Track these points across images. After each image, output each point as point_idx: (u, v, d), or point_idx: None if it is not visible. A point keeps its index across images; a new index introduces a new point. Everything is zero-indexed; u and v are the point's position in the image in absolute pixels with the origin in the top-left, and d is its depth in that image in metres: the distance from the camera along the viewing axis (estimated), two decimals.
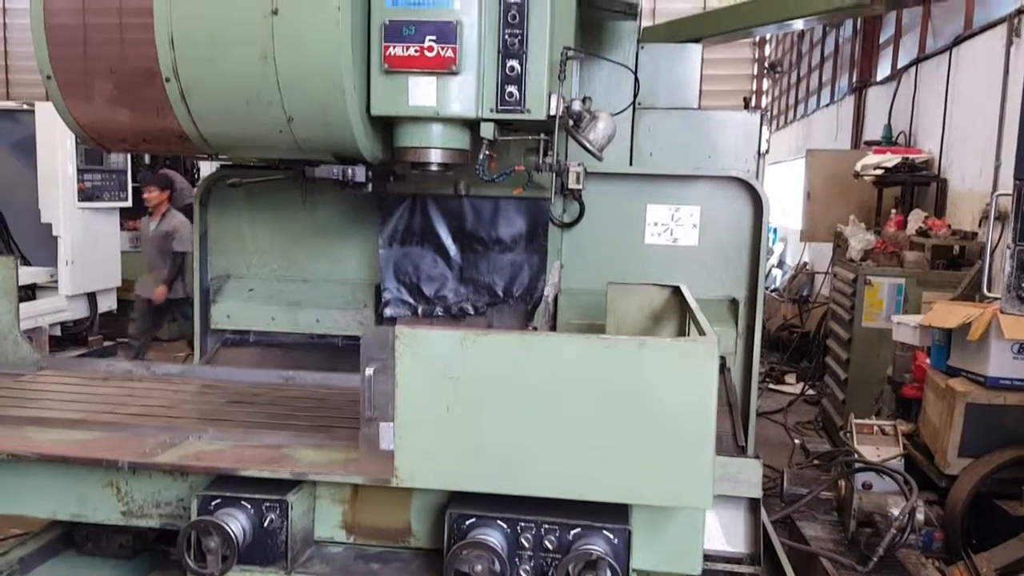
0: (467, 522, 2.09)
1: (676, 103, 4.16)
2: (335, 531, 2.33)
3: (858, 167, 8.62)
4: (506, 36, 2.88)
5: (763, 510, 2.89)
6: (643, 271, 3.99)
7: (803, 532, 4.22)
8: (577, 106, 3.16)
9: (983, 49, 7.72)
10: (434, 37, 2.83)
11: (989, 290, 5.12)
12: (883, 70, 11.21)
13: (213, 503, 2.19)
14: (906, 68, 9.91)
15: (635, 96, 3.86)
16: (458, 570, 2.04)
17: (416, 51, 2.83)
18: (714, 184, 4.02)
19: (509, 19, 2.87)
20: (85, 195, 8.78)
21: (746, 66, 22.66)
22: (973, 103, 7.83)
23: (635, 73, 3.88)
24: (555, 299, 4.05)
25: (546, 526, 2.07)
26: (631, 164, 4.07)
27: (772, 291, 13.18)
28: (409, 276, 4.06)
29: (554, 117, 3.01)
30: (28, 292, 8.67)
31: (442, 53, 2.84)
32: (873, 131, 10.78)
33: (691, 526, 2.19)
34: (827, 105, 14.24)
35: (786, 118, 18.79)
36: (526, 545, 2.08)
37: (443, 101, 2.90)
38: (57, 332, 9.01)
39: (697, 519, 2.19)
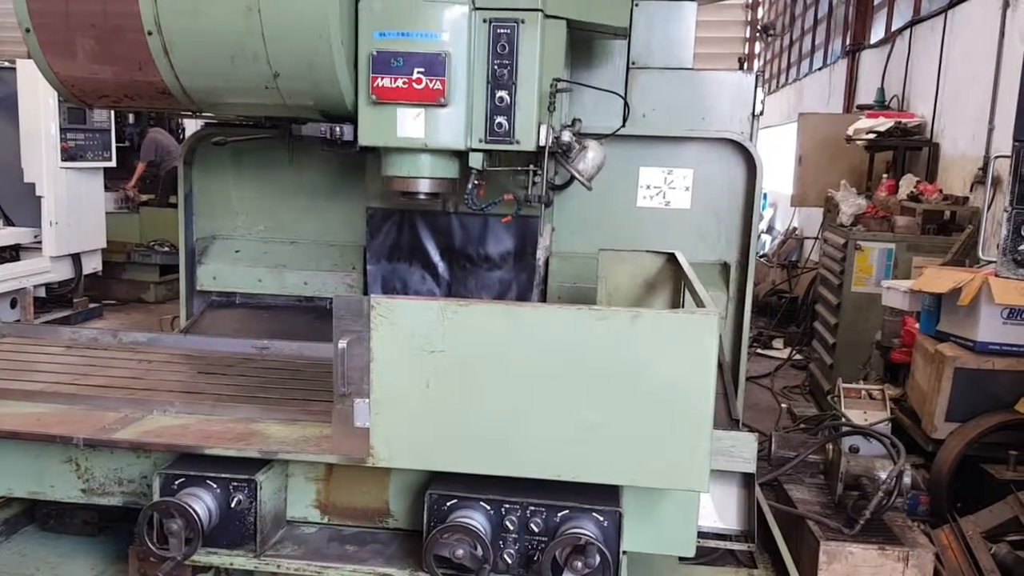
0: (448, 503, 2.00)
1: (670, 63, 4.09)
2: (308, 511, 2.26)
3: (850, 131, 8.57)
4: (495, 67, 2.87)
5: (757, 486, 2.81)
6: (635, 235, 3.96)
7: (790, 495, 4.23)
8: (567, 136, 3.15)
9: (978, 12, 7.65)
10: (422, 69, 2.80)
11: (984, 254, 5.10)
12: (877, 33, 11.10)
13: (176, 482, 2.09)
14: (900, 31, 9.82)
15: (624, 119, 3.78)
16: (438, 555, 1.95)
17: (404, 83, 2.82)
18: (707, 146, 3.99)
19: (498, 50, 2.85)
20: (68, 155, 8.63)
21: (738, 29, 22.51)
22: (967, 67, 7.77)
23: (624, 98, 3.80)
24: (546, 263, 4.02)
25: (532, 508, 1.98)
26: (624, 125, 4.01)
27: (761, 256, 13.18)
28: (396, 292, 4.00)
29: (543, 148, 2.98)
30: (11, 253, 8.55)
31: (431, 85, 2.81)
32: (866, 95, 10.71)
33: (685, 507, 2.11)
34: (820, 68, 14.14)
35: (778, 82, 18.66)
36: (511, 528, 1.99)
37: (431, 133, 2.88)
38: (42, 294, 8.91)
39: (691, 500, 2.11)
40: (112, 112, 9.20)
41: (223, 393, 2.63)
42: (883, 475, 3.86)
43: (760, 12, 21.67)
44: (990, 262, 4.82)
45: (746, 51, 22.69)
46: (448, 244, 3.94)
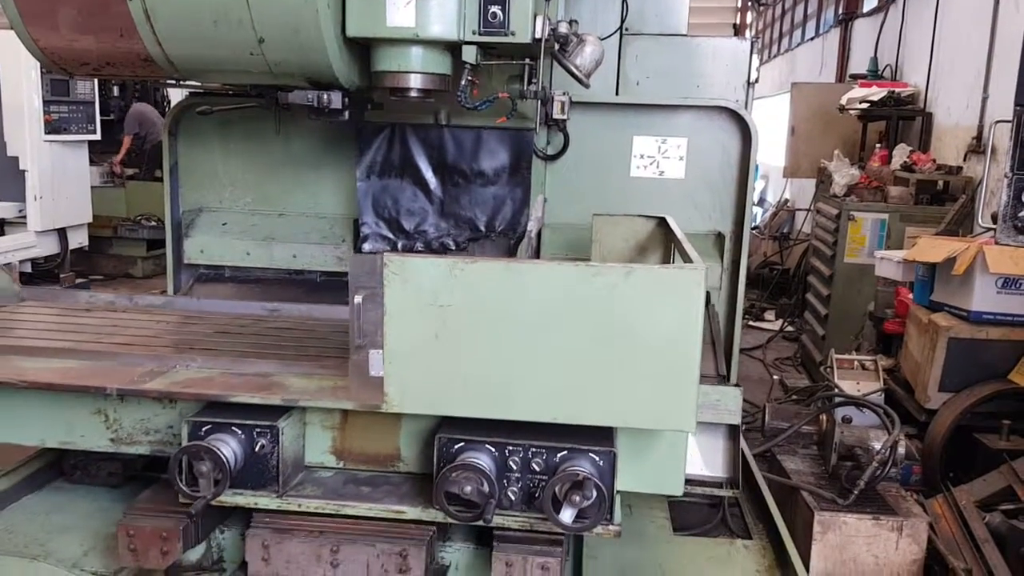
0: (456, 446, 2.12)
1: (664, 29, 4.02)
2: (325, 457, 2.36)
3: (843, 101, 8.51)
4: None
5: (742, 437, 2.97)
6: (629, 205, 3.90)
7: (784, 466, 4.22)
8: (563, 28, 3.03)
9: None
10: None
11: (982, 221, 5.08)
12: (870, 2, 11.01)
13: (204, 429, 2.21)
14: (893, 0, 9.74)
15: (623, 20, 3.71)
16: (448, 491, 2.08)
17: None
18: (702, 114, 3.92)
19: None
20: (52, 127, 8.49)
21: None
22: (961, 35, 7.71)
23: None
24: (538, 234, 3.96)
25: (533, 449, 2.11)
26: (617, 94, 3.95)
27: (753, 228, 13.14)
28: (388, 210, 3.95)
29: (539, 40, 2.87)
30: None
31: None
32: (859, 64, 10.64)
33: (674, 450, 2.23)
34: (812, 38, 14.05)
35: (770, 52, 18.55)
36: (514, 468, 2.12)
37: (423, 22, 2.75)
38: (28, 269, 8.81)
39: (680, 443, 2.22)
40: (96, 84, 9.06)
41: (241, 350, 2.73)
42: (877, 445, 3.86)
43: None
44: (988, 230, 4.80)
45: (737, 21, 22.51)
46: (440, 159, 3.87)
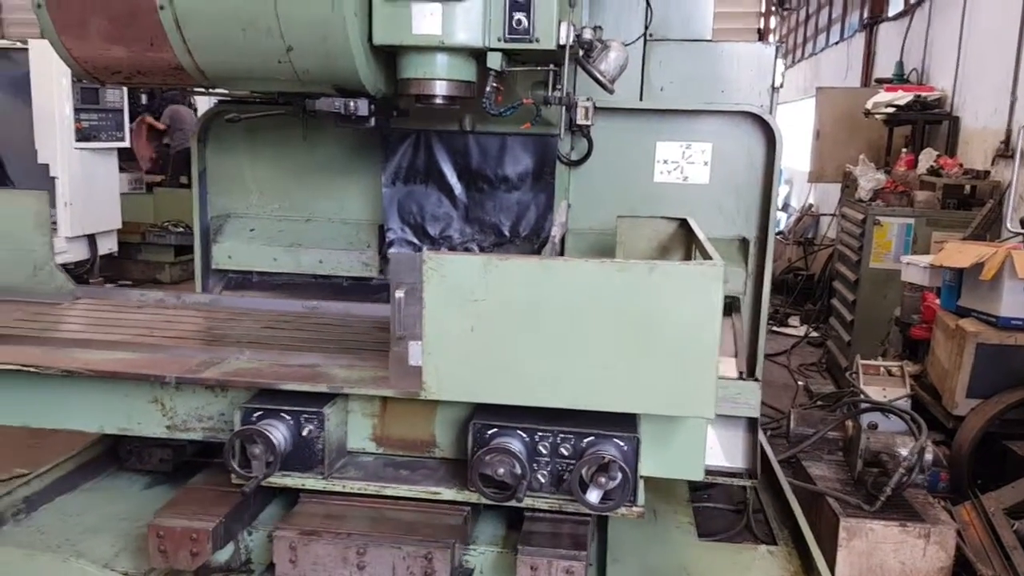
0: (489, 432, 2.27)
1: (689, 34, 4.02)
2: (366, 443, 2.51)
3: (869, 105, 8.46)
4: None
5: (761, 433, 3.03)
6: (652, 210, 3.90)
7: (809, 472, 4.20)
8: (588, 35, 3.03)
9: None
10: None
11: (1011, 226, 5.03)
12: (895, 5, 10.93)
13: (255, 415, 2.36)
14: (919, 3, 9.66)
15: (647, 26, 3.72)
16: (482, 473, 2.22)
17: None
18: (726, 119, 3.90)
19: None
20: (82, 135, 8.62)
21: (753, 3, 22.19)
22: (989, 38, 7.63)
23: (647, 1, 3.74)
24: (562, 239, 3.97)
25: (562, 435, 2.26)
26: (641, 99, 3.95)
27: (777, 234, 13.07)
28: (413, 215, 3.98)
29: (564, 47, 2.88)
30: None
31: None
32: (884, 69, 10.56)
33: (694, 436, 2.33)
34: (836, 43, 13.96)
35: (794, 57, 18.46)
36: (544, 452, 2.26)
37: (448, 29, 2.78)
38: None
39: (699, 430, 2.32)
40: (125, 92, 9.19)
41: (286, 344, 2.87)
42: (904, 452, 3.83)
43: None
44: (1017, 234, 4.75)
45: (761, 26, 22.43)
46: (465, 165, 3.89)
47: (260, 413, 2.36)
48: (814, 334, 9.00)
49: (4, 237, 3.31)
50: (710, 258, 2.46)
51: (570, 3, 2.90)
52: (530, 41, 2.82)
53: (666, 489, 3.27)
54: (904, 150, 8.20)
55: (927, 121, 8.22)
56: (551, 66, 3.09)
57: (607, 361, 2.11)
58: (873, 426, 4.20)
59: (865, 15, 11.93)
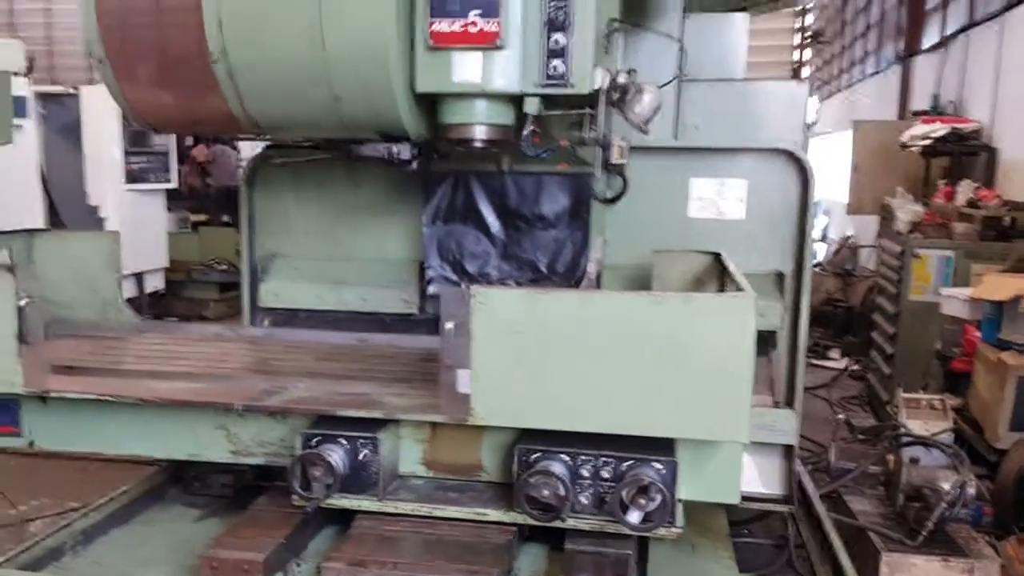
0: (533, 456, 2.38)
1: (722, 74, 4.09)
2: (416, 467, 2.64)
3: (905, 138, 8.46)
4: (551, 9, 2.84)
5: (797, 460, 3.08)
6: (688, 245, 3.95)
7: (850, 506, 4.19)
8: (623, 79, 3.11)
9: None
10: (479, 12, 2.81)
11: None
12: (930, 38, 10.95)
13: (315, 440, 2.49)
14: (954, 35, 9.68)
15: (681, 68, 3.81)
16: (527, 495, 2.33)
17: (460, 26, 2.81)
18: (760, 157, 3.96)
19: None
20: (131, 177, 8.93)
21: (787, 36, 22.27)
22: None
23: (680, 43, 3.82)
24: (598, 275, 4.04)
25: (603, 459, 2.35)
26: (675, 138, 4.02)
27: (815, 265, 13.01)
28: (452, 253, 4.07)
29: (599, 91, 2.98)
30: None
31: (486, 28, 2.81)
32: (920, 101, 10.56)
33: (730, 460, 2.41)
34: (872, 75, 13.98)
35: (830, 89, 18.45)
36: (586, 476, 2.36)
37: (487, 76, 2.88)
38: None
39: (735, 454, 2.41)
40: (173, 135, 9.47)
41: (339, 374, 3.04)
42: (946, 486, 3.81)
43: (810, 18, 21.44)
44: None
45: (796, 58, 22.48)
46: (503, 204, 3.99)
47: (319, 438, 2.49)
48: (855, 367, 8.92)
49: (76, 275, 3.55)
50: (742, 290, 2.53)
51: (605, 49, 2.99)
52: (566, 86, 2.91)
53: (705, 523, 3.28)
54: (942, 182, 8.17)
55: (964, 153, 8.20)
56: (587, 109, 3.18)
57: (644, 388, 2.22)
58: (915, 460, 4.18)
59: (900, 48, 11.94)
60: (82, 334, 3.47)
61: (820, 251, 14.39)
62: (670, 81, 3.80)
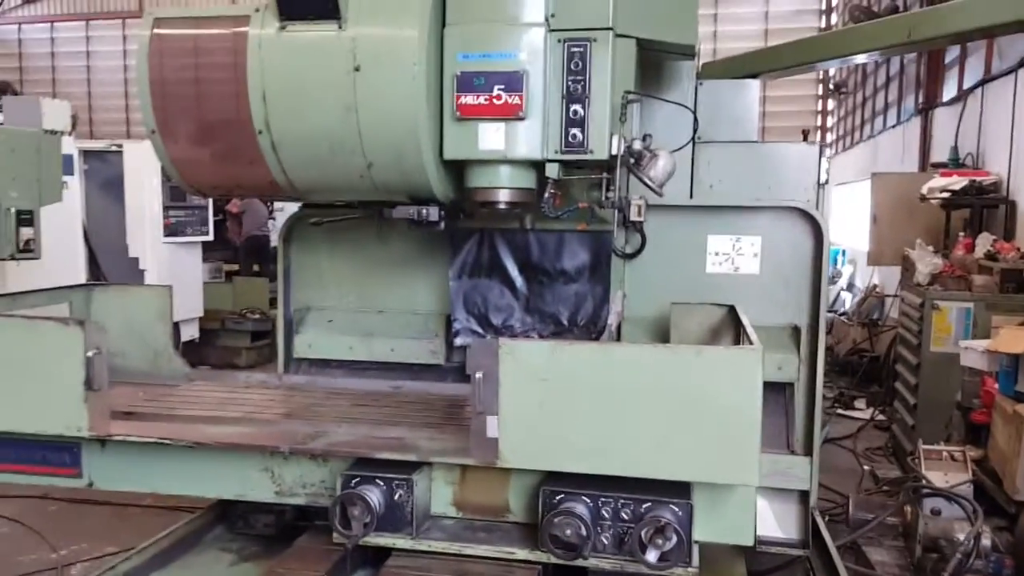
0: (557, 497, 2.52)
1: (736, 136, 4.27)
2: (447, 508, 2.77)
3: (924, 190, 8.56)
4: (569, 83, 3.07)
5: (814, 506, 3.18)
6: (705, 299, 4.08)
7: (869, 557, 4.25)
8: (638, 145, 3.31)
9: None
10: (502, 86, 3.04)
11: None
12: (949, 91, 11.09)
13: (353, 481, 2.65)
14: (972, 89, 9.81)
15: (694, 132, 4.00)
16: (551, 534, 2.47)
17: (486, 100, 3.05)
18: (774, 214, 4.10)
19: (572, 67, 3.07)
20: (170, 230, 9.25)
21: (810, 87, 22.51)
22: None
23: (693, 111, 4.01)
24: (618, 327, 4.18)
25: (622, 501, 2.48)
26: (692, 197, 4.18)
27: (841, 315, 13.03)
28: (478, 307, 4.25)
29: (616, 156, 3.17)
30: None
31: (510, 101, 3.04)
32: (940, 152, 10.66)
33: (744, 504, 2.53)
34: (893, 126, 14.09)
35: (852, 139, 18.59)
36: (607, 516, 2.49)
37: (511, 145, 3.10)
38: None
39: (749, 498, 2.53)
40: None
41: (375, 419, 3.23)
42: (962, 536, 3.88)
43: (832, 70, 21.66)
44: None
45: (819, 108, 22.70)
46: (526, 259, 4.17)
47: (358, 479, 2.64)
48: (880, 417, 8.91)
49: (130, 326, 3.76)
50: (751, 342, 2.68)
51: (621, 118, 3.18)
52: (584, 153, 3.13)
53: (723, 571, 3.37)
54: (961, 234, 8.25)
55: (984, 205, 8.28)
56: (604, 173, 3.37)
57: (660, 434, 2.36)
58: (937, 512, 4.25)
59: (920, 100, 12.08)
60: (135, 382, 3.67)
61: (847, 300, 14.39)
62: (684, 145, 3.97)
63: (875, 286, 12.80)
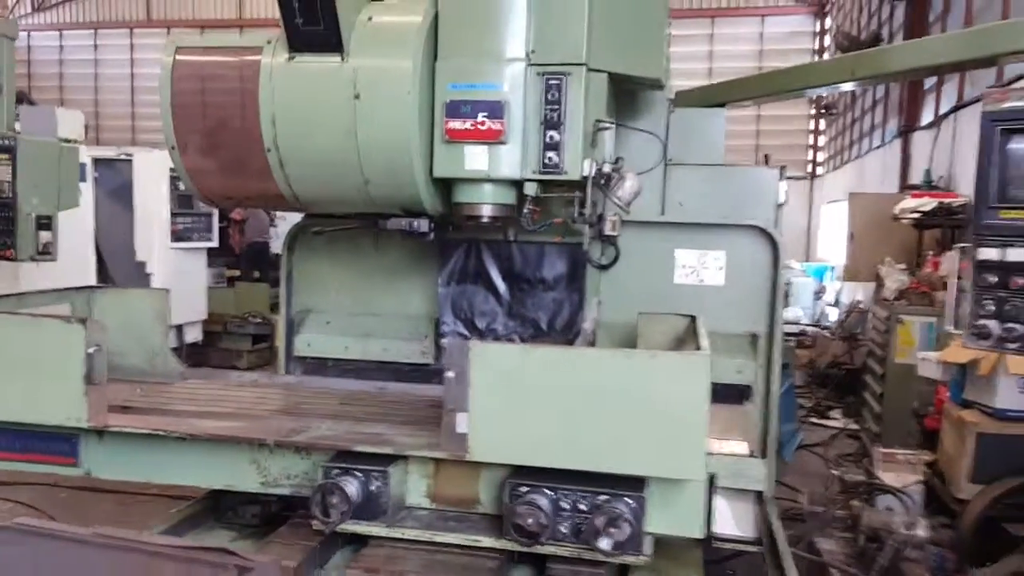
0: (522, 489, 2.72)
1: (705, 160, 4.60)
2: (421, 499, 2.96)
3: (896, 210, 8.97)
4: (547, 111, 3.44)
5: (771, 505, 3.42)
6: (673, 308, 4.38)
7: (819, 547, 4.61)
8: (607, 168, 3.67)
9: None
10: (486, 113, 3.40)
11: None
12: (927, 116, 11.52)
13: (333, 472, 2.83)
14: (946, 115, 10.23)
15: (664, 157, 4.37)
16: (515, 523, 2.68)
17: (471, 125, 3.41)
18: (737, 232, 4.42)
19: (549, 97, 3.43)
20: (176, 236, 9.60)
21: (804, 107, 22.98)
22: None
23: (662, 139, 4.39)
24: (593, 332, 4.54)
25: (580, 494, 2.68)
26: (663, 213, 4.53)
27: (824, 328, 13.41)
28: (464, 311, 4.61)
29: (587, 177, 3.55)
30: None
31: (493, 127, 3.41)
32: (918, 174, 11.07)
33: (693, 499, 2.75)
34: (878, 147, 14.53)
35: (842, 158, 19.03)
36: (566, 508, 2.69)
37: (493, 166, 3.46)
38: None
39: (699, 494, 2.76)
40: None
41: (358, 416, 3.43)
42: (900, 528, 4.25)
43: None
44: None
45: (811, 127, 23.16)
46: (509, 269, 4.51)
47: (337, 471, 2.82)
48: (853, 426, 9.27)
49: (129, 326, 3.98)
50: (700, 348, 2.96)
51: (592, 143, 3.57)
52: (560, 173, 3.49)
53: (681, 557, 3.49)
54: (931, 253, 8.65)
55: (952, 226, 8.68)
56: (577, 192, 3.74)
57: (617, 431, 2.56)
58: (890, 510, 4.62)
59: (901, 123, 12.51)
60: (132, 379, 3.87)
61: (832, 314, 14.77)
62: (652, 168, 4.35)
63: (859, 302, 13.17)
